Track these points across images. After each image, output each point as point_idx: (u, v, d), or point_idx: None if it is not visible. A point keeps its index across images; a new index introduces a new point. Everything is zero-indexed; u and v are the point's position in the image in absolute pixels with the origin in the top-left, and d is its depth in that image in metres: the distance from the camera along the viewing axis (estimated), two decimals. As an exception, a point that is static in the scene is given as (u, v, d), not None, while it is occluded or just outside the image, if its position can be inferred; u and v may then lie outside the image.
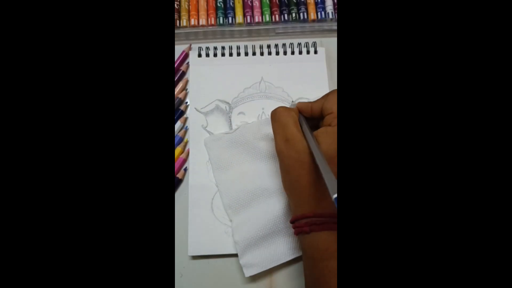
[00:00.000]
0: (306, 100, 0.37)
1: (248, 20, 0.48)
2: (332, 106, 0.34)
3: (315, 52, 0.47)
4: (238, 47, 0.46)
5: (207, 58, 0.46)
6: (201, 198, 0.41)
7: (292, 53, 0.47)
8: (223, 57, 0.46)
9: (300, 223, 0.33)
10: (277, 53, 0.47)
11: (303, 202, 0.33)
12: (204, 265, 0.40)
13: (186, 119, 0.45)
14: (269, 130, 0.40)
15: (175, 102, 0.45)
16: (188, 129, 0.44)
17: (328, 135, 0.33)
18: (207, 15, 0.48)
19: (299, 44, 0.47)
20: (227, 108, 0.45)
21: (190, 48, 0.47)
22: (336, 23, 0.48)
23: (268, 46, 0.47)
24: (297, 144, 0.33)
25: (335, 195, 0.25)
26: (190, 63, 0.46)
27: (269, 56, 0.47)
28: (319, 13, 0.48)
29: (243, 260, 0.38)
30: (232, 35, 0.49)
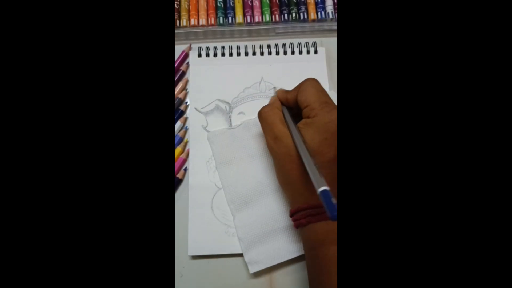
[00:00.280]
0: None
1: (248, 20, 0.48)
2: (307, 98, 0.35)
3: (315, 52, 0.47)
4: (238, 47, 0.46)
5: (207, 58, 0.46)
6: (201, 198, 0.41)
7: (292, 53, 0.47)
8: (223, 57, 0.46)
9: (298, 216, 0.34)
10: (277, 53, 0.47)
11: (298, 195, 0.34)
12: (204, 265, 0.40)
13: (186, 119, 0.45)
14: None
15: (175, 102, 0.45)
16: (188, 129, 0.44)
17: (309, 127, 0.33)
18: (207, 15, 0.48)
19: (299, 44, 0.47)
20: (227, 108, 0.45)
21: (190, 48, 0.47)
22: (336, 23, 0.48)
23: (268, 46, 0.47)
24: (285, 140, 0.34)
25: (320, 189, 0.25)
26: (190, 63, 0.46)
27: (269, 56, 0.47)
28: (319, 13, 0.48)
29: (247, 257, 0.39)
30: (232, 35, 0.49)
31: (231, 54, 0.46)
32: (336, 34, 0.48)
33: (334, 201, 0.24)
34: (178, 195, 0.42)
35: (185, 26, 0.47)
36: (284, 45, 0.47)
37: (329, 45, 0.47)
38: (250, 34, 0.48)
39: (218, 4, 0.48)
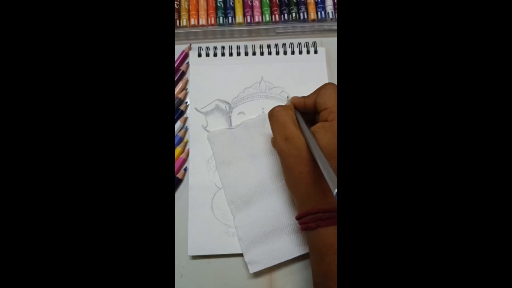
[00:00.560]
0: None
1: (248, 20, 0.48)
2: (326, 101, 0.34)
3: (315, 52, 0.47)
4: (238, 47, 0.46)
5: (207, 58, 0.46)
6: (201, 198, 0.41)
7: (292, 53, 0.47)
8: (223, 57, 0.46)
9: (306, 219, 0.33)
10: (277, 53, 0.47)
11: (307, 198, 0.33)
12: (204, 265, 0.40)
13: (186, 119, 0.45)
14: None
15: (175, 102, 0.45)
16: (188, 129, 0.44)
17: (326, 131, 0.33)
18: (207, 15, 0.48)
19: (299, 44, 0.47)
20: (227, 108, 0.45)
21: (190, 48, 0.47)
22: (336, 23, 0.48)
23: (268, 46, 0.47)
24: (297, 141, 0.33)
25: (336, 190, 0.25)
26: (190, 63, 0.46)
27: (269, 56, 0.47)
28: (319, 13, 0.48)
29: (247, 257, 0.39)
30: (232, 35, 0.49)
31: (231, 54, 0.46)
32: (336, 34, 0.48)
33: None
34: (178, 195, 0.42)
35: (185, 26, 0.47)
36: (284, 45, 0.47)
37: (329, 45, 0.47)
38: (250, 34, 0.48)
39: (218, 4, 0.48)
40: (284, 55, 0.47)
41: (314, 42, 0.47)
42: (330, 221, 0.32)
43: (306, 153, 0.32)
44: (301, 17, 0.48)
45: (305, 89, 0.45)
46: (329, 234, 0.32)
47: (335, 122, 0.33)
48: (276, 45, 0.47)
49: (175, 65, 0.46)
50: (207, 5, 0.48)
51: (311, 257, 0.34)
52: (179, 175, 0.42)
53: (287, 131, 0.34)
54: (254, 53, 0.46)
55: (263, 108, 0.44)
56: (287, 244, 0.39)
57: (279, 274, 0.40)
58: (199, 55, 0.46)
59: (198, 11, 0.48)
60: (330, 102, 0.34)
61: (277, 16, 0.48)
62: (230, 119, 0.44)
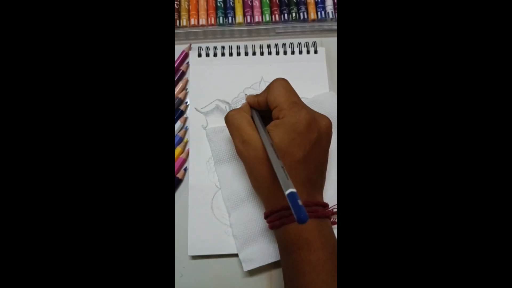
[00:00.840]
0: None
1: (248, 20, 0.47)
2: (276, 98, 0.35)
3: (315, 52, 0.46)
4: (238, 47, 0.46)
5: (207, 58, 0.46)
6: (201, 198, 0.41)
7: (292, 53, 0.47)
8: (223, 57, 0.46)
9: (272, 218, 0.34)
10: (277, 53, 0.47)
11: (271, 197, 0.34)
12: (204, 265, 0.40)
13: (186, 119, 0.45)
14: None
15: (175, 102, 0.45)
16: (188, 129, 0.44)
17: (278, 128, 0.33)
18: (207, 15, 0.48)
19: (299, 44, 0.47)
20: (227, 108, 0.44)
21: (190, 48, 0.47)
22: (336, 23, 0.48)
23: (268, 46, 0.47)
24: (253, 143, 0.34)
25: (287, 191, 0.26)
26: (190, 63, 0.46)
27: (269, 56, 0.47)
28: (319, 13, 0.48)
29: (242, 255, 0.39)
30: (232, 35, 0.49)
31: (231, 54, 0.46)
32: (336, 34, 0.48)
33: (301, 203, 0.25)
34: (178, 195, 0.42)
35: (185, 26, 0.47)
36: (284, 45, 0.46)
37: (329, 45, 0.47)
38: (250, 34, 0.48)
39: (218, 4, 0.48)
40: (284, 55, 0.47)
41: (314, 42, 0.47)
42: (293, 217, 0.32)
43: (264, 153, 0.33)
44: (301, 17, 0.48)
45: (305, 89, 0.45)
46: (293, 229, 0.32)
47: (285, 119, 0.33)
48: (276, 45, 0.47)
49: (175, 65, 0.46)
50: (207, 5, 0.48)
51: (280, 253, 0.35)
52: (179, 175, 0.42)
53: (243, 134, 0.34)
54: (254, 53, 0.46)
55: (263, 108, 0.44)
56: None
57: (279, 274, 0.40)
58: (199, 55, 0.46)
59: (198, 11, 0.48)
60: (280, 99, 0.35)
61: (277, 16, 0.48)
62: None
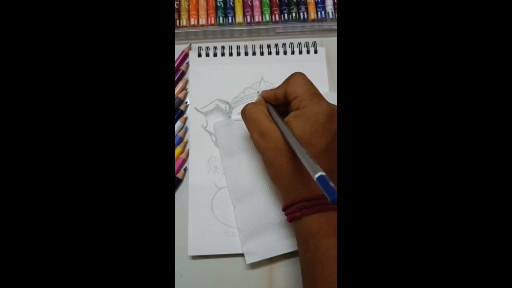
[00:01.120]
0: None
1: (248, 20, 0.47)
2: (296, 89, 0.35)
3: (315, 52, 0.46)
4: (238, 47, 0.46)
5: (207, 58, 0.46)
6: (201, 198, 0.41)
7: (292, 53, 0.47)
8: (223, 57, 0.46)
9: (291, 209, 0.34)
10: (277, 53, 0.47)
11: (291, 189, 0.34)
12: (204, 265, 0.40)
13: (186, 119, 0.45)
14: None
15: (175, 102, 0.45)
16: (188, 129, 0.44)
17: (299, 119, 0.33)
18: (207, 14, 0.48)
19: (299, 44, 0.47)
20: (227, 108, 0.45)
21: (190, 48, 0.47)
22: (336, 23, 0.48)
23: (268, 46, 0.47)
24: (273, 135, 0.33)
25: (317, 175, 0.25)
26: (190, 63, 0.46)
27: (269, 56, 0.47)
28: (319, 13, 0.48)
29: (245, 248, 0.39)
30: (232, 35, 0.49)
31: (231, 54, 0.46)
32: (336, 34, 0.48)
33: (332, 184, 0.24)
34: (178, 195, 0.42)
35: (185, 26, 0.47)
36: (284, 45, 0.46)
37: (329, 45, 0.47)
38: (250, 34, 0.48)
39: (218, 4, 0.48)
40: (284, 55, 0.47)
41: (314, 42, 0.47)
42: (314, 209, 0.32)
43: (283, 145, 0.33)
44: (301, 17, 0.48)
45: (305, 89, 0.45)
46: (314, 221, 0.32)
47: (306, 110, 0.33)
48: (276, 45, 0.47)
49: (175, 65, 0.46)
50: (207, 5, 0.48)
51: (298, 246, 0.35)
52: (179, 175, 0.42)
53: (261, 126, 0.34)
54: (254, 53, 0.46)
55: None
56: (285, 237, 0.39)
57: (279, 275, 0.40)
58: (199, 55, 0.46)
59: (198, 11, 0.48)
60: (300, 90, 0.35)
61: (277, 16, 0.48)
62: (230, 119, 0.44)
